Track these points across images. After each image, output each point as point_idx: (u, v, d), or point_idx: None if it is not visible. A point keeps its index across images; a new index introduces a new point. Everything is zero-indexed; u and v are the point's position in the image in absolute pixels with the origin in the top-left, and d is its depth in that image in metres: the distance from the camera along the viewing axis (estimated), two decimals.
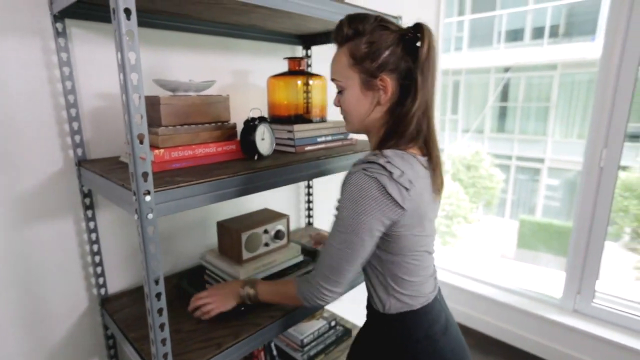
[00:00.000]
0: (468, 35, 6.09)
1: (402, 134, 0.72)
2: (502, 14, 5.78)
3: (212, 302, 0.88)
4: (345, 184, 0.70)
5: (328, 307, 1.58)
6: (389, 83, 0.71)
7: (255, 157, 0.90)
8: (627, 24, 1.57)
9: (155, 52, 1.02)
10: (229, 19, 1.02)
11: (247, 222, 1.05)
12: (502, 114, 5.96)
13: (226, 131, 0.89)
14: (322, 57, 1.45)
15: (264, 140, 0.92)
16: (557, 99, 5.00)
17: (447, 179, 4.76)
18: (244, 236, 1.00)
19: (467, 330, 2.24)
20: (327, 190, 1.65)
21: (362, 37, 0.71)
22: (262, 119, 0.91)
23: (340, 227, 0.71)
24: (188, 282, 1.07)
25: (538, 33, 5.47)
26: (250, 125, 0.88)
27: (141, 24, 0.95)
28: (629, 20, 1.56)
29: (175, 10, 0.90)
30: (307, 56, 1.36)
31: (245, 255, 1.02)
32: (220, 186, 0.72)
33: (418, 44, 0.70)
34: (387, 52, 0.70)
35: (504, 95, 5.86)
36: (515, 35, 5.72)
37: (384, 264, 0.76)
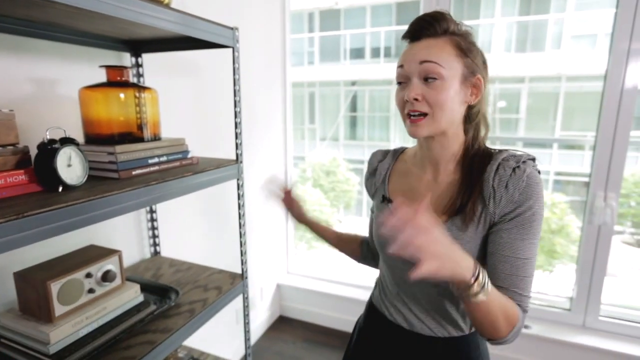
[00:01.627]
0: (319, 51, 6.57)
1: (485, 136, 0.75)
2: (346, 34, 6.43)
3: (424, 236, 0.51)
4: (525, 184, 0.65)
5: (185, 342, 1.42)
6: (482, 84, 0.70)
7: (60, 189, 0.72)
8: None
9: None
10: (16, 13, 0.80)
11: (59, 268, 0.84)
12: (353, 123, 6.61)
13: (10, 158, 0.69)
14: (156, 66, 1.29)
15: (72, 167, 0.74)
16: (395, 109, 5.85)
17: (309, 186, 4.95)
18: (55, 286, 0.79)
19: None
20: (175, 211, 1.49)
21: (461, 35, 0.69)
22: (66, 140, 0.73)
23: (537, 229, 0.66)
24: None
25: (376, 52, 6.28)
26: (48, 149, 0.70)
27: None
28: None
29: None
30: (138, 65, 1.19)
31: (60, 309, 0.81)
32: None
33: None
34: (480, 55, 0.71)
35: (353, 106, 6.52)
36: (357, 53, 6.43)
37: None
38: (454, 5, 1.85)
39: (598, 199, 1.70)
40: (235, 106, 1.09)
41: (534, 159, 0.68)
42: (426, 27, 0.68)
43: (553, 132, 4.86)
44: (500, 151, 0.71)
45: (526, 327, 1.86)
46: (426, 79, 0.67)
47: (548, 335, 1.81)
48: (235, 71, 1.07)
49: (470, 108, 0.72)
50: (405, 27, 0.73)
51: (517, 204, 0.65)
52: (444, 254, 0.53)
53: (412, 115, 0.69)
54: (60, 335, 0.79)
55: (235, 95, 1.09)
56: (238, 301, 1.78)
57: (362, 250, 0.99)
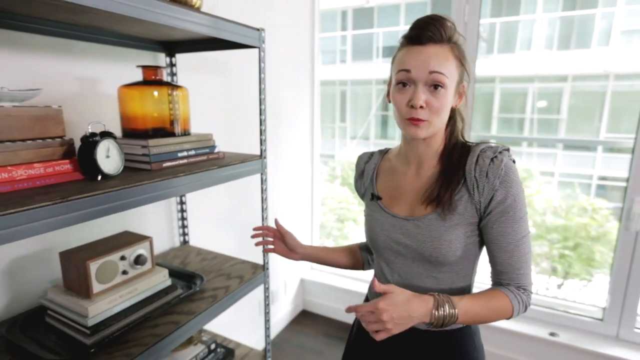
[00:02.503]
0: (351, 49, 6.56)
1: (463, 129, 0.80)
2: (379, 32, 6.38)
3: (389, 322, 0.65)
4: (504, 172, 0.70)
5: (208, 326, 1.50)
6: (465, 90, 0.76)
7: (99, 178, 0.79)
8: None
9: None
10: (63, 18, 0.88)
11: (97, 250, 0.92)
12: (384, 122, 6.56)
13: (58, 149, 0.77)
14: (188, 66, 1.37)
15: (110, 158, 0.82)
16: None
17: (337, 184, 4.96)
18: (94, 266, 0.88)
19: None
20: (204, 203, 1.57)
21: (458, 43, 0.73)
22: (105, 134, 0.81)
23: (521, 211, 0.71)
24: (21, 329, 0.89)
25: None
26: (90, 141, 0.77)
27: None
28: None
29: None
30: (172, 64, 1.27)
31: (97, 287, 0.89)
32: (41, 215, 0.61)
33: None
34: (468, 64, 0.75)
35: (385, 104, 6.46)
36: (390, 52, 6.36)
37: (477, 260, 0.79)
38: (492, 0, 1.81)
39: (636, 205, 1.61)
40: (260, 104, 1.14)
41: (508, 149, 0.74)
42: (432, 31, 0.70)
43: (597, 134, 4.59)
44: (477, 144, 0.75)
45: (553, 334, 1.80)
46: (430, 86, 0.70)
47: (577, 345, 1.74)
48: (261, 70, 1.12)
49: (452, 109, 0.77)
50: None
51: (497, 191, 0.70)
52: (396, 323, 0.65)
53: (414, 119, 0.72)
54: (97, 310, 0.87)
55: (260, 94, 1.14)
56: (262, 293, 1.85)
57: (364, 255, 1.01)
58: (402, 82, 0.72)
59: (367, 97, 6.59)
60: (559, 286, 3.45)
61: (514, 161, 0.73)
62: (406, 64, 0.71)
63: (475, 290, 0.81)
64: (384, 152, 0.93)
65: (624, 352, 1.68)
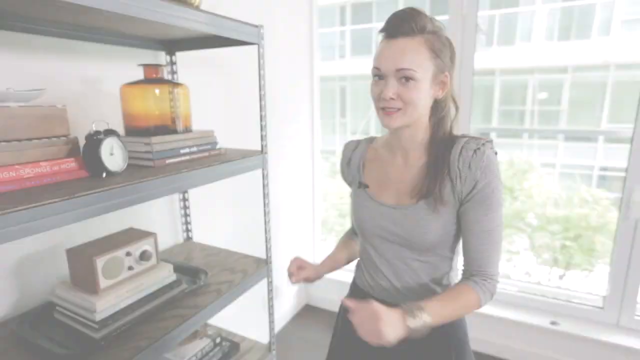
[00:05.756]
0: (350, 44, 6.54)
1: (456, 117, 0.82)
2: (378, 26, 6.35)
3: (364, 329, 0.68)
4: (485, 164, 0.73)
5: (214, 322, 1.52)
6: (448, 80, 0.77)
7: (104, 175, 0.81)
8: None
9: None
10: (65, 19, 0.90)
11: (103, 246, 0.94)
12: None
13: (63, 147, 0.79)
14: (188, 64, 1.38)
15: (114, 156, 0.83)
16: None
17: (338, 179, 4.99)
18: (100, 262, 0.89)
19: None
20: (207, 200, 1.59)
21: (436, 33, 0.74)
22: (109, 132, 0.82)
23: (498, 202, 0.75)
24: (31, 325, 0.91)
25: None
26: (94, 139, 0.79)
27: None
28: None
29: None
30: (172, 63, 1.28)
31: (104, 283, 0.91)
32: (48, 212, 0.63)
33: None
34: (450, 53, 0.76)
35: None
36: None
37: (457, 243, 0.83)
38: None
39: (635, 193, 1.63)
40: (260, 100, 1.16)
41: (491, 142, 0.76)
42: (403, 25, 0.72)
43: (599, 124, 4.58)
44: (463, 136, 0.79)
45: (554, 323, 1.82)
46: (401, 78, 0.73)
47: (578, 333, 1.76)
48: (260, 67, 1.13)
49: (436, 100, 0.79)
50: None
51: (478, 181, 0.74)
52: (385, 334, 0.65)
53: (386, 109, 0.76)
54: (104, 305, 0.89)
55: (260, 90, 1.15)
56: (265, 288, 1.87)
57: (357, 241, 1.01)
58: (376, 75, 0.76)
59: (366, 92, 6.55)
60: (561, 277, 3.47)
61: (496, 153, 0.76)
62: (377, 61, 0.75)
63: (458, 271, 0.86)
64: (370, 141, 0.94)
65: (624, 339, 1.70)
